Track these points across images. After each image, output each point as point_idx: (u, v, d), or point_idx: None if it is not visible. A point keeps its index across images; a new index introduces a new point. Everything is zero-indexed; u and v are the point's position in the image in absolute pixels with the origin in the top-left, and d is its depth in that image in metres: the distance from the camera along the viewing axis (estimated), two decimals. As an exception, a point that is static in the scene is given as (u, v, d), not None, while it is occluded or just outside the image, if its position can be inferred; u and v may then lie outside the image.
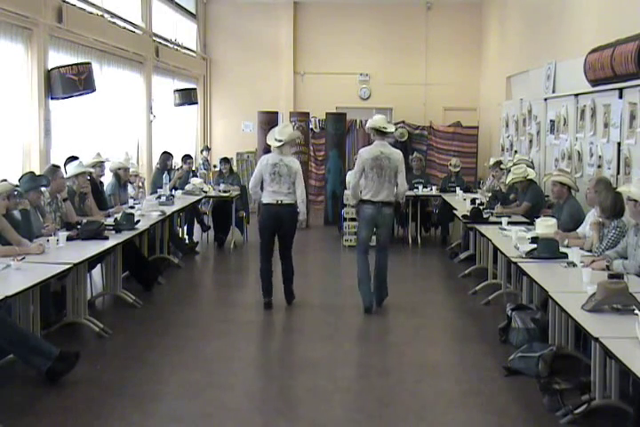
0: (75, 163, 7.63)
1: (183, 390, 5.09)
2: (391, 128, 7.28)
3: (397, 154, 7.20)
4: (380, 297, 7.37)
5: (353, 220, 11.07)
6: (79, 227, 6.75)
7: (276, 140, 7.24)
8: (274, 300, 7.32)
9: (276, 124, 13.64)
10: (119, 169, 9.02)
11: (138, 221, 7.42)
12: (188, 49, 15.66)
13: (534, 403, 4.78)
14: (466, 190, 11.12)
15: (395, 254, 10.55)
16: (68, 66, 8.94)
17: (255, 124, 14.30)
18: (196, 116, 16.57)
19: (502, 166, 10.34)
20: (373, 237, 7.43)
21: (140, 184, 10.30)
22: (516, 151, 11.65)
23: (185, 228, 10.97)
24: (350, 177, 7.16)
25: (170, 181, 10.53)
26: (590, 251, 5.99)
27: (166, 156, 11.06)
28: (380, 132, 7.14)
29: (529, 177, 8.58)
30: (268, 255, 7.43)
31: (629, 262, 5.28)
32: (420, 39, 16.55)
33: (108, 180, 9.14)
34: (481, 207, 8.69)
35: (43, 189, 6.70)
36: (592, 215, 6.39)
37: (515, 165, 9.09)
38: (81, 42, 9.91)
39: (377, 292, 7.33)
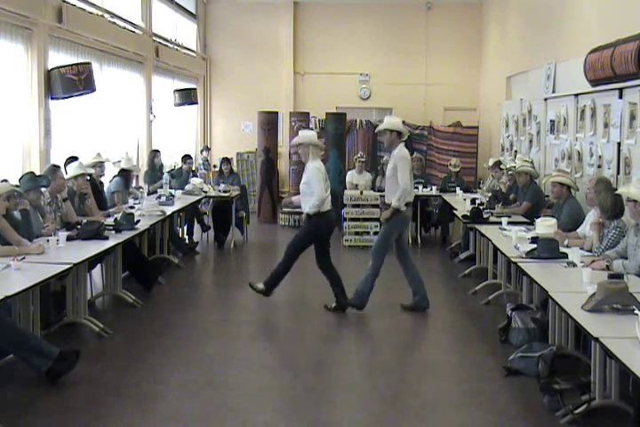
0: (75, 164, 7.63)
1: (183, 390, 5.09)
2: None
3: None
4: None
5: (353, 220, 11.10)
6: (79, 227, 6.75)
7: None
8: (272, 298, 7.34)
9: (275, 124, 13.80)
10: (128, 171, 9.08)
11: (138, 221, 7.43)
12: (188, 49, 15.65)
13: (534, 403, 4.78)
14: (466, 190, 11.11)
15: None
16: (68, 66, 8.94)
17: (255, 124, 14.32)
18: (195, 116, 16.56)
19: (502, 166, 10.35)
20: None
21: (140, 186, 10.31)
22: (516, 151, 11.65)
23: (185, 228, 10.97)
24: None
25: (168, 180, 10.53)
26: (590, 251, 6.00)
27: (153, 153, 11.10)
28: None
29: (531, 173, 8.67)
30: None
31: (629, 262, 5.29)
32: (420, 39, 16.54)
33: (111, 177, 9.15)
34: (481, 207, 8.69)
35: (43, 189, 6.70)
36: (592, 215, 6.39)
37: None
38: (81, 42, 9.91)
39: None
